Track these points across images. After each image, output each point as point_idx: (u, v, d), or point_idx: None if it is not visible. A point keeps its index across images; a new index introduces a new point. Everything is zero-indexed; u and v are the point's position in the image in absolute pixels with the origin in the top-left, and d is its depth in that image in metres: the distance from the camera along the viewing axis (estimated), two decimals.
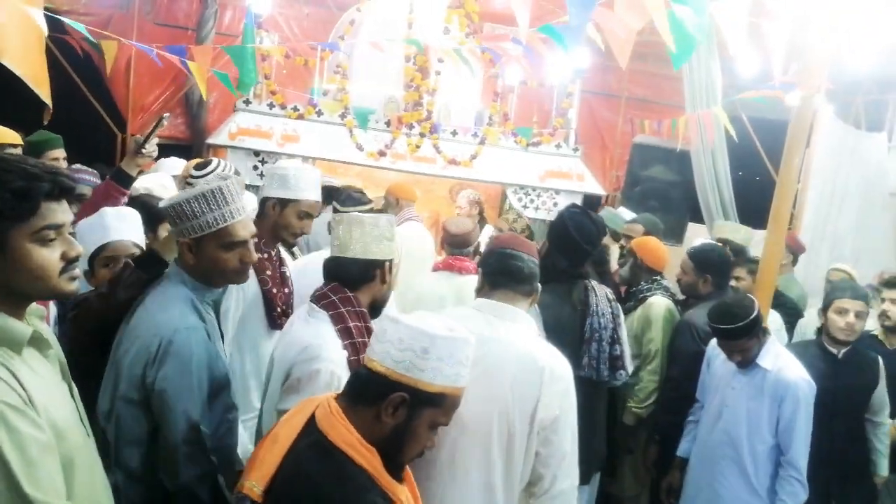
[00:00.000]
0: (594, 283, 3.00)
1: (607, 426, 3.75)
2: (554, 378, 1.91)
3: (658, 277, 3.83)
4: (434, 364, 1.44)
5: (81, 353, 1.93)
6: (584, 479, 3.05)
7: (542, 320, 2.68)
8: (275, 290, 2.65)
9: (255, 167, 5.87)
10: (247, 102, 5.90)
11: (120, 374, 1.84)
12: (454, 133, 6.27)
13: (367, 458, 1.43)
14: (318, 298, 2.08)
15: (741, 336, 2.77)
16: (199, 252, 1.88)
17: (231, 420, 2.01)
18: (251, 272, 2.55)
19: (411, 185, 5.41)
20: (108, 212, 2.49)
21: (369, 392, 1.47)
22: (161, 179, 3.78)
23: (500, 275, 2.05)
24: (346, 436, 1.43)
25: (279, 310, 2.65)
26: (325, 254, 3.29)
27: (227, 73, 5.06)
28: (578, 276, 2.96)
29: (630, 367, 3.08)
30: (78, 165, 4.33)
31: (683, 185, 6.27)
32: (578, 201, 6.51)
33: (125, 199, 2.93)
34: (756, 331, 2.78)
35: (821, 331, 3.32)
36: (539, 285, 2.09)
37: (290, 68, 6.24)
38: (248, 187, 4.15)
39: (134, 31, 6.65)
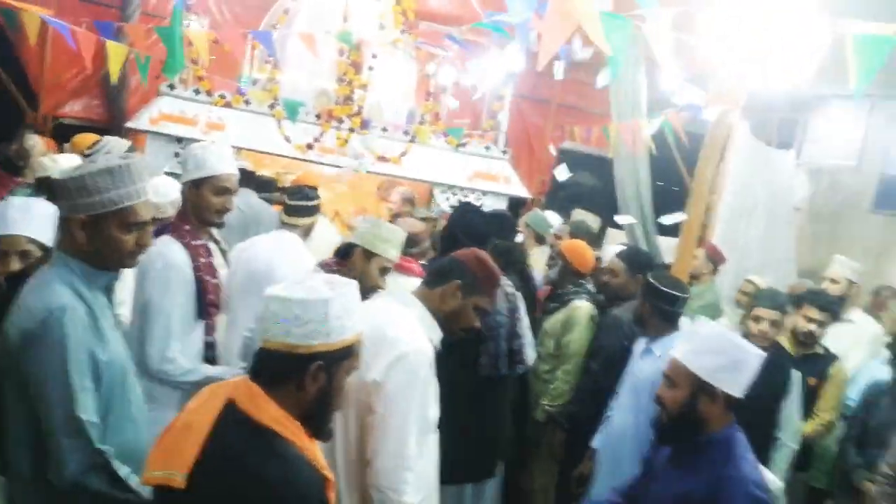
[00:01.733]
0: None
1: (520, 421, 3.87)
2: (392, 347, 1.97)
3: (583, 281, 3.93)
4: (336, 323, 1.49)
5: None
6: (489, 472, 3.15)
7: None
8: (207, 278, 2.64)
9: (177, 154, 5.68)
10: (171, 87, 5.71)
11: (2, 370, 1.74)
12: (384, 130, 6.25)
13: (295, 432, 1.48)
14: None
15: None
16: (94, 231, 1.75)
17: (132, 413, 1.88)
18: (187, 258, 2.58)
19: (315, 177, 5.28)
20: (13, 202, 2.36)
21: (285, 371, 1.50)
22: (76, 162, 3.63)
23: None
24: (273, 413, 1.47)
25: (210, 299, 2.64)
26: (264, 240, 3.35)
27: (149, 57, 4.89)
28: None
29: (532, 356, 3.20)
30: None
31: (606, 191, 6.45)
32: (504, 203, 6.63)
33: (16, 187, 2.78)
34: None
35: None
36: (455, 281, 2.16)
37: (218, 55, 6.07)
38: (168, 174, 4.05)
39: (54, 5, 6.32)
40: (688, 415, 1.96)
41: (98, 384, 1.76)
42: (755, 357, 1.96)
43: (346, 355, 1.55)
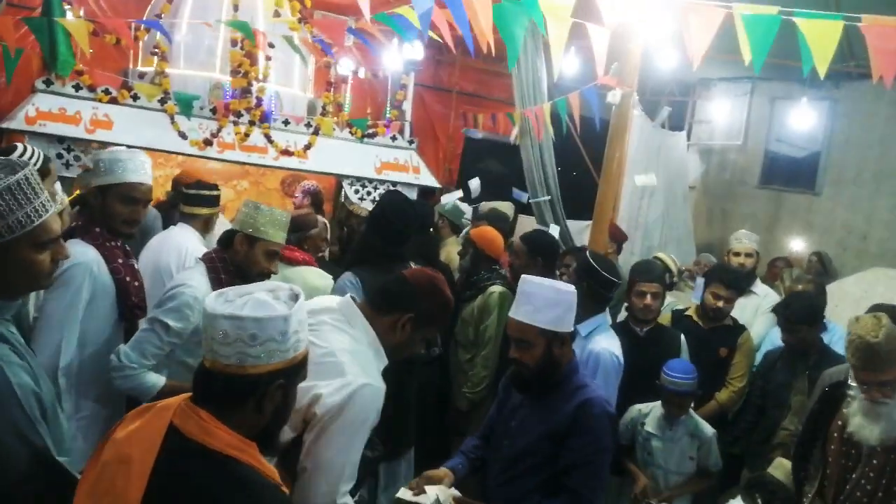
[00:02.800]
0: (411, 264, 3.13)
1: (441, 410, 3.85)
2: (342, 374, 1.85)
3: (497, 267, 3.94)
4: (293, 339, 1.40)
5: None
6: (395, 455, 3.12)
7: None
8: (128, 279, 2.52)
9: (61, 155, 5.25)
10: (47, 83, 5.26)
11: None
12: (286, 122, 6.03)
13: (251, 453, 1.37)
14: None
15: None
16: (4, 259, 1.52)
17: (63, 439, 1.71)
18: (103, 261, 2.44)
19: (195, 171, 5.12)
20: None
21: (239, 394, 1.37)
22: None
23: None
24: (227, 438, 1.34)
25: (133, 300, 2.53)
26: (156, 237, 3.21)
27: (22, 50, 4.49)
28: (397, 258, 3.08)
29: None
30: None
31: (513, 177, 6.51)
32: (414, 193, 6.56)
33: None
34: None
35: (627, 310, 3.58)
36: (408, 314, 2.02)
37: (99, 47, 5.64)
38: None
39: None
40: (547, 364, 2.22)
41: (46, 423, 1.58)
42: (574, 293, 2.26)
43: (301, 368, 1.46)
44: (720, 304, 3.68)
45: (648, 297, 3.41)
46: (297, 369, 1.44)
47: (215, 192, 3.63)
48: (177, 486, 1.29)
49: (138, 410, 1.43)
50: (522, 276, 2.32)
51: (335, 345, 1.89)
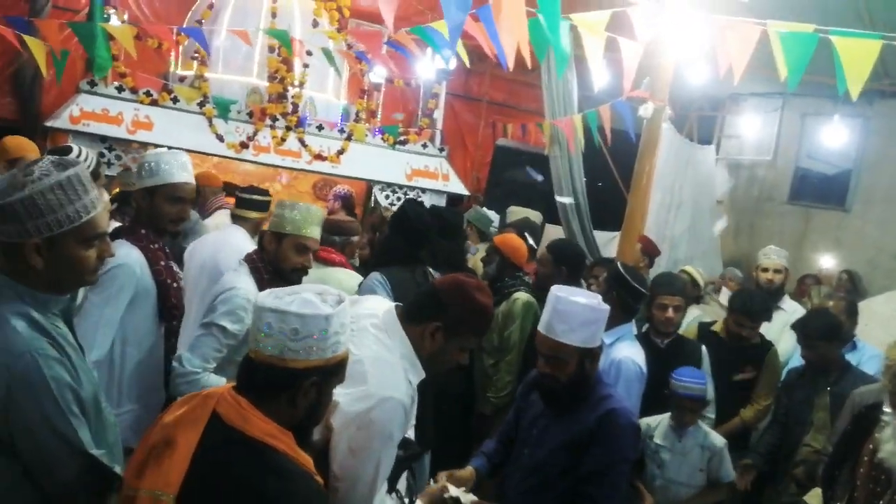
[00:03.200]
0: (429, 269, 3.25)
1: (465, 414, 3.89)
2: (367, 385, 1.82)
3: (521, 273, 3.99)
4: (333, 339, 1.45)
5: None
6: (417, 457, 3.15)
7: (392, 296, 2.88)
8: (168, 282, 2.57)
9: (102, 154, 5.41)
10: (92, 84, 5.43)
11: None
12: (320, 128, 6.15)
13: (287, 442, 1.42)
14: None
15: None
16: (51, 253, 1.55)
17: (108, 440, 1.76)
18: (146, 263, 2.50)
19: (214, 173, 5.23)
20: None
21: (276, 385, 1.44)
22: None
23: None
24: (264, 427, 1.40)
25: (172, 302, 2.58)
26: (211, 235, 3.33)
27: (68, 52, 4.64)
28: (417, 260, 3.20)
29: None
30: None
31: (541, 187, 6.57)
32: (443, 201, 6.64)
33: None
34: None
35: (649, 322, 3.57)
36: (434, 323, 1.95)
37: (141, 51, 5.80)
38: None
39: None
40: (579, 379, 2.24)
41: (85, 414, 1.62)
42: (607, 309, 2.27)
43: (338, 370, 1.50)
44: (744, 332, 3.67)
45: (670, 310, 3.40)
46: (334, 370, 1.48)
47: (266, 198, 3.71)
48: (215, 470, 1.36)
49: (186, 397, 1.51)
50: (556, 293, 2.27)
51: (365, 353, 1.86)
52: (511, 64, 2.88)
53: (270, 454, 1.39)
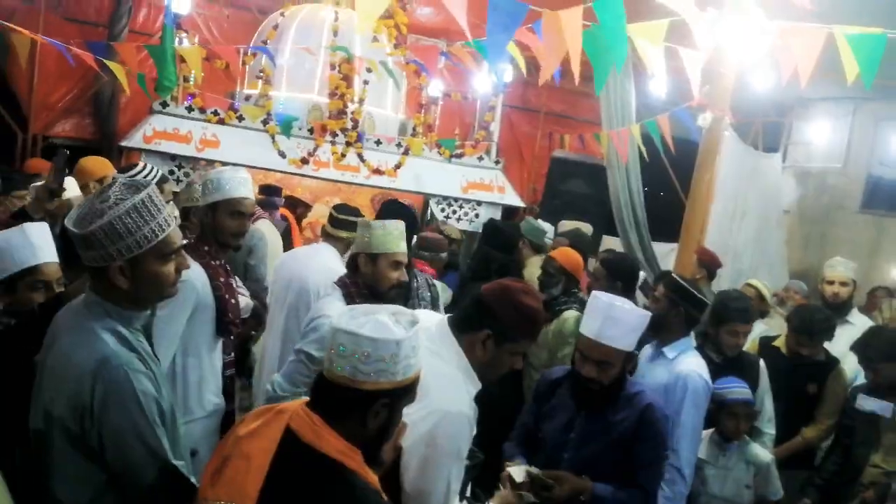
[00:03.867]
0: (417, 271, 3.33)
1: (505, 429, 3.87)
2: (430, 400, 1.80)
3: (575, 290, 3.91)
4: (403, 363, 1.46)
5: None
6: None
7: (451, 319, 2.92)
8: (227, 297, 2.65)
9: (172, 171, 5.67)
10: (164, 105, 5.70)
11: (53, 429, 1.62)
12: (378, 142, 6.28)
13: (356, 460, 1.45)
14: None
15: None
16: (134, 273, 1.65)
17: (181, 455, 1.85)
18: (207, 279, 2.58)
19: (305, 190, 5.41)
20: (32, 229, 2.30)
21: (347, 405, 1.46)
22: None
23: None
24: (335, 444, 1.43)
25: (230, 318, 2.65)
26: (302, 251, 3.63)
27: (143, 74, 4.90)
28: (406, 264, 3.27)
29: None
30: None
31: (599, 199, 6.51)
32: (499, 213, 6.66)
33: None
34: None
35: (705, 336, 3.43)
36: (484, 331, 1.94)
37: (210, 72, 6.08)
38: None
39: (40, 26, 6.30)
40: (618, 381, 2.37)
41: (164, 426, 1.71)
42: (648, 316, 2.41)
43: (408, 391, 1.52)
44: (804, 351, 3.54)
45: (741, 336, 3.31)
46: (405, 391, 1.50)
47: (357, 219, 3.62)
48: (289, 485, 1.39)
49: (259, 411, 1.54)
50: (606, 300, 2.33)
51: (425, 368, 1.81)
52: (546, 75, 2.91)
53: (341, 471, 1.42)
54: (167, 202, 3.15)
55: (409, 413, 1.72)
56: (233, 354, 2.83)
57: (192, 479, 1.73)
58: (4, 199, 2.90)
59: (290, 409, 1.49)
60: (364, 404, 1.45)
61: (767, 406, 3.36)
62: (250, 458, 1.42)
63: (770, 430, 3.34)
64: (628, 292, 3.70)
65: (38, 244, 2.26)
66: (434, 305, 3.21)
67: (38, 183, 3.30)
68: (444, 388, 1.82)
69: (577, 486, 2.28)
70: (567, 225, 4.93)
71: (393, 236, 2.75)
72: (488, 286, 2.04)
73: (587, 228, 4.81)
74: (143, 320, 1.76)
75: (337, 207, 3.72)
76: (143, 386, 1.62)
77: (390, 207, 3.31)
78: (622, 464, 2.36)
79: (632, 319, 2.33)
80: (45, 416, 1.62)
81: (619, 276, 3.68)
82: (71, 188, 3.19)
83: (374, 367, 1.42)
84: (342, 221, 3.58)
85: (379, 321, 1.46)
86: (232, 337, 2.81)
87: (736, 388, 3.04)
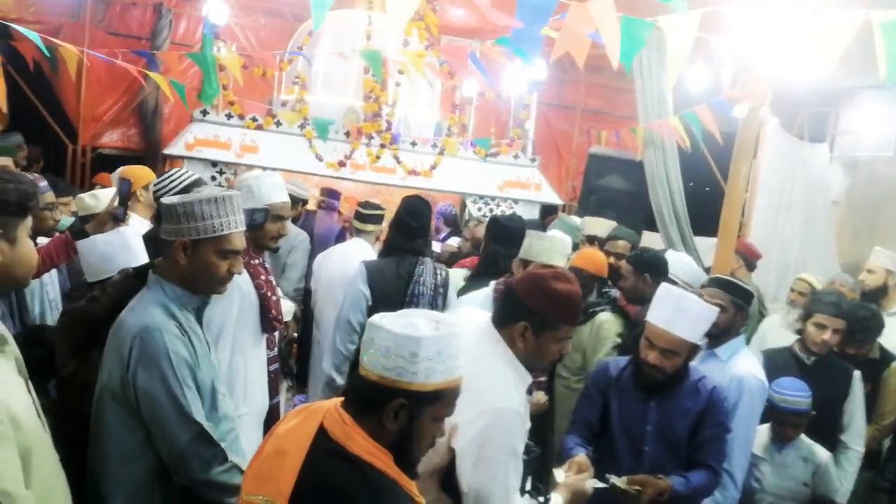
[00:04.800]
0: (428, 259, 3.43)
1: (541, 437, 3.82)
2: (482, 401, 1.83)
3: (607, 289, 3.85)
4: (425, 365, 1.43)
5: (71, 356, 2.03)
6: None
7: (371, 285, 3.27)
8: (269, 295, 2.72)
9: (213, 178, 5.81)
10: (204, 113, 5.85)
11: (104, 386, 1.85)
12: (414, 144, 6.32)
13: (387, 462, 1.45)
14: None
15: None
16: (193, 255, 1.89)
17: (226, 431, 1.99)
18: (249, 279, 2.66)
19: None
20: (128, 232, 2.49)
21: (369, 401, 1.46)
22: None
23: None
24: (363, 444, 1.44)
25: (272, 314, 2.73)
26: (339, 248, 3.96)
27: (183, 85, 5.03)
28: (410, 251, 3.39)
29: None
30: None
31: (637, 194, 6.42)
32: (536, 210, 6.63)
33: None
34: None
35: (800, 334, 3.34)
36: (521, 323, 1.95)
37: (247, 79, 6.20)
38: None
39: (85, 40, 6.54)
40: (682, 369, 2.47)
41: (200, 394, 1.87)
42: (717, 311, 2.51)
43: (433, 399, 1.46)
44: (850, 350, 3.39)
45: (829, 332, 3.18)
46: (428, 398, 1.45)
47: (382, 212, 4.11)
48: (319, 483, 1.40)
49: (299, 410, 1.57)
50: (678, 292, 2.47)
51: (472, 368, 1.82)
52: (580, 62, 2.91)
53: (369, 471, 1.41)
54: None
55: (461, 413, 1.71)
56: (277, 350, 2.90)
57: (235, 459, 1.88)
58: (52, 204, 3.04)
59: (324, 408, 1.50)
60: (380, 401, 1.44)
61: (858, 421, 3.21)
62: (285, 455, 1.44)
63: (858, 446, 3.20)
64: (659, 283, 3.62)
65: (135, 248, 2.43)
66: (437, 292, 3.33)
67: (84, 195, 3.44)
68: (494, 387, 1.85)
69: (658, 489, 2.34)
70: (590, 222, 4.88)
71: (549, 250, 2.96)
72: (519, 278, 2.06)
73: (609, 225, 4.74)
74: (196, 303, 1.97)
75: (362, 204, 4.11)
76: (175, 347, 1.82)
77: (410, 202, 3.52)
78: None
79: (701, 312, 2.42)
80: (102, 375, 1.87)
81: (645, 269, 3.59)
82: (105, 200, 3.32)
83: (393, 363, 1.42)
84: (368, 216, 4.00)
85: (410, 321, 1.46)
86: (276, 332, 2.87)
87: (790, 395, 2.94)
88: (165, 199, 1.91)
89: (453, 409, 1.53)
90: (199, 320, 2.00)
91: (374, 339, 1.44)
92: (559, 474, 2.15)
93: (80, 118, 6.95)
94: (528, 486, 2.01)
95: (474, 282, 3.54)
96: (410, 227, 3.39)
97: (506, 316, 1.97)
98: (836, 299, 3.29)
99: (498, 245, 3.47)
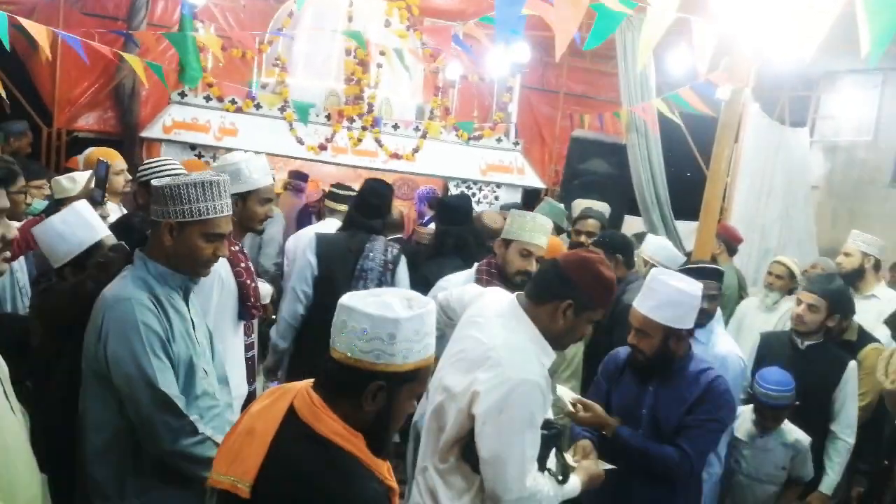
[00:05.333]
0: (381, 238, 3.49)
1: None
2: (500, 369, 1.91)
3: None
4: (404, 346, 1.40)
5: (47, 337, 2.07)
6: None
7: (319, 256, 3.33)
8: (248, 282, 2.69)
9: None
10: (182, 95, 5.75)
11: (84, 355, 1.91)
12: (396, 127, 6.26)
13: (356, 444, 1.43)
14: None
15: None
16: (179, 236, 1.91)
17: (205, 408, 1.99)
18: (229, 266, 2.63)
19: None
20: (82, 206, 2.41)
21: (346, 384, 1.43)
22: None
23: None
24: (332, 425, 1.41)
25: (251, 301, 2.70)
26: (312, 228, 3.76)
27: (160, 66, 4.93)
28: (366, 228, 3.47)
29: None
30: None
31: (620, 178, 6.43)
32: (519, 194, 6.61)
33: None
34: None
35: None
36: (567, 301, 2.01)
37: (226, 61, 6.11)
38: None
39: (60, 21, 6.39)
40: (663, 354, 2.41)
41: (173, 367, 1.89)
42: (699, 297, 2.39)
43: (410, 378, 1.45)
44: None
45: (804, 306, 3.19)
46: (407, 377, 1.43)
47: (352, 192, 4.14)
48: (284, 463, 1.39)
49: (273, 390, 1.55)
50: (653, 273, 2.42)
51: (497, 340, 1.95)
52: (561, 47, 2.88)
53: (336, 453, 1.39)
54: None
55: (483, 382, 1.88)
56: (254, 337, 2.86)
57: (208, 431, 1.91)
58: (24, 188, 2.98)
59: (296, 389, 1.48)
60: (359, 385, 1.41)
61: (849, 410, 3.17)
62: (254, 435, 1.43)
63: (848, 437, 3.16)
64: (629, 265, 3.64)
65: (92, 221, 2.37)
66: (386, 268, 3.40)
67: (61, 177, 3.37)
68: (516, 358, 1.92)
69: (601, 419, 2.42)
70: (582, 204, 4.85)
71: (531, 229, 2.90)
72: (566, 257, 2.12)
73: (603, 207, 4.72)
74: (178, 281, 1.99)
75: (336, 185, 4.20)
76: (145, 318, 1.85)
77: (372, 182, 3.66)
78: None
79: (670, 293, 2.34)
80: (84, 347, 1.91)
81: (616, 250, 3.59)
82: (82, 183, 3.26)
83: (371, 345, 1.38)
84: (341, 196, 4.08)
85: (384, 301, 1.42)
86: (254, 320, 2.84)
87: (772, 390, 2.94)
88: (156, 181, 1.93)
89: (426, 386, 1.55)
90: (187, 300, 2.03)
91: (348, 322, 1.39)
92: (569, 458, 2.20)
93: (55, 101, 6.81)
94: (552, 464, 2.06)
95: (432, 262, 3.57)
96: (371, 205, 3.49)
97: (550, 293, 2.02)
98: (819, 278, 3.36)
99: (448, 225, 3.48)
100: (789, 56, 5.19)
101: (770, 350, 3.28)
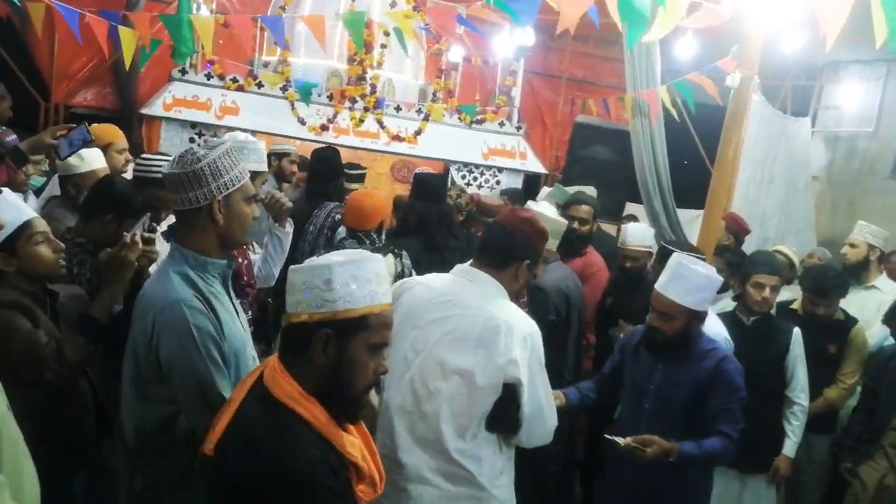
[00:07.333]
0: (332, 204, 3.76)
1: None
2: (515, 330, 2.03)
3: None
4: (343, 290, 1.43)
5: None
6: None
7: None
8: (241, 261, 2.69)
9: (192, 139, 5.68)
10: (183, 72, 5.68)
11: (131, 357, 1.83)
12: (398, 109, 6.21)
13: (309, 409, 1.43)
14: None
15: None
16: (228, 209, 1.82)
17: None
18: None
19: None
20: (6, 193, 2.21)
21: (296, 343, 1.46)
22: None
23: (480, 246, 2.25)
24: (287, 389, 1.44)
25: (244, 279, 2.70)
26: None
27: (161, 41, 4.86)
28: (321, 194, 3.83)
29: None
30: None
31: (622, 164, 6.40)
32: (520, 179, 6.59)
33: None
34: None
35: (738, 299, 3.44)
36: (523, 262, 2.16)
37: (228, 39, 6.02)
38: None
39: None
40: (683, 336, 2.53)
41: (226, 366, 1.81)
42: (719, 282, 2.55)
43: (359, 326, 1.45)
44: (819, 311, 3.49)
45: (767, 289, 3.26)
46: (353, 325, 1.44)
47: (364, 171, 4.45)
48: (237, 424, 1.44)
49: (263, 363, 1.59)
50: (679, 259, 2.52)
51: (490, 310, 2.04)
52: (564, 24, 2.87)
53: (284, 415, 1.41)
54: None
55: (511, 350, 1.99)
56: (250, 313, 2.86)
57: None
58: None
59: (271, 358, 1.53)
60: (307, 339, 1.44)
61: (800, 375, 3.32)
62: (231, 402, 1.49)
63: (802, 400, 3.31)
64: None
65: (17, 204, 2.20)
66: (320, 233, 3.65)
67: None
68: (520, 319, 2.06)
69: (664, 449, 2.42)
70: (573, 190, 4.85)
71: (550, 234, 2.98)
72: (508, 220, 2.20)
73: (590, 190, 4.70)
74: (219, 269, 1.88)
75: (348, 165, 4.41)
76: (198, 321, 1.73)
77: (320, 151, 3.98)
78: (696, 411, 2.55)
79: (697, 279, 2.46)
80: (130, 338, 1.84)
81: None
82: (97, 159, 3.20)
83: (311, 295, 1.44)
84: (354, 176, 4.27)
85: (322, 258, 1.50)
86: (249, 298, 2.83)
87: None
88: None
89: (387, 339, 1.53)
90: (226, 287, 1.93)
91: (293, 282, 1.46)
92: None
93: (53, 75, 6.71)
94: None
95: (401, 238, 3.42)
96: (319, 172, 3.83)
97: (510, 256, 2.13)
98: (768, 259, 3.43)
99: (422, 202, 3.44)
100: (797, 44, 5.19)
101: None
